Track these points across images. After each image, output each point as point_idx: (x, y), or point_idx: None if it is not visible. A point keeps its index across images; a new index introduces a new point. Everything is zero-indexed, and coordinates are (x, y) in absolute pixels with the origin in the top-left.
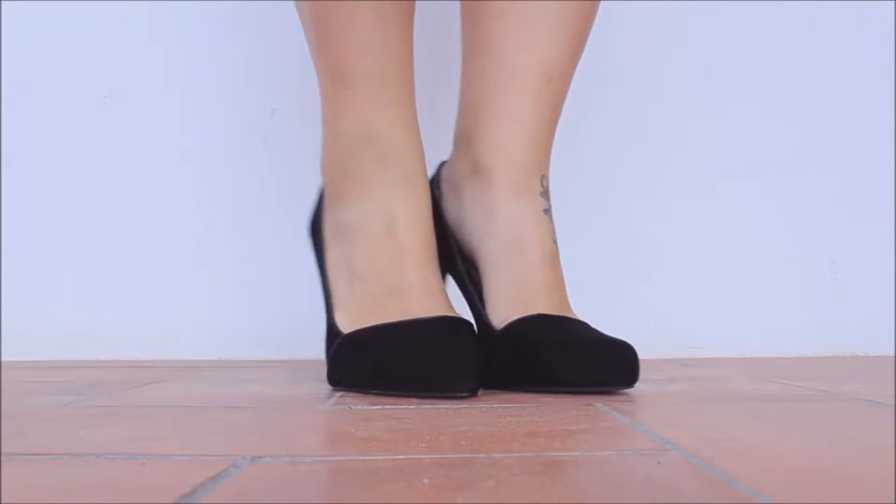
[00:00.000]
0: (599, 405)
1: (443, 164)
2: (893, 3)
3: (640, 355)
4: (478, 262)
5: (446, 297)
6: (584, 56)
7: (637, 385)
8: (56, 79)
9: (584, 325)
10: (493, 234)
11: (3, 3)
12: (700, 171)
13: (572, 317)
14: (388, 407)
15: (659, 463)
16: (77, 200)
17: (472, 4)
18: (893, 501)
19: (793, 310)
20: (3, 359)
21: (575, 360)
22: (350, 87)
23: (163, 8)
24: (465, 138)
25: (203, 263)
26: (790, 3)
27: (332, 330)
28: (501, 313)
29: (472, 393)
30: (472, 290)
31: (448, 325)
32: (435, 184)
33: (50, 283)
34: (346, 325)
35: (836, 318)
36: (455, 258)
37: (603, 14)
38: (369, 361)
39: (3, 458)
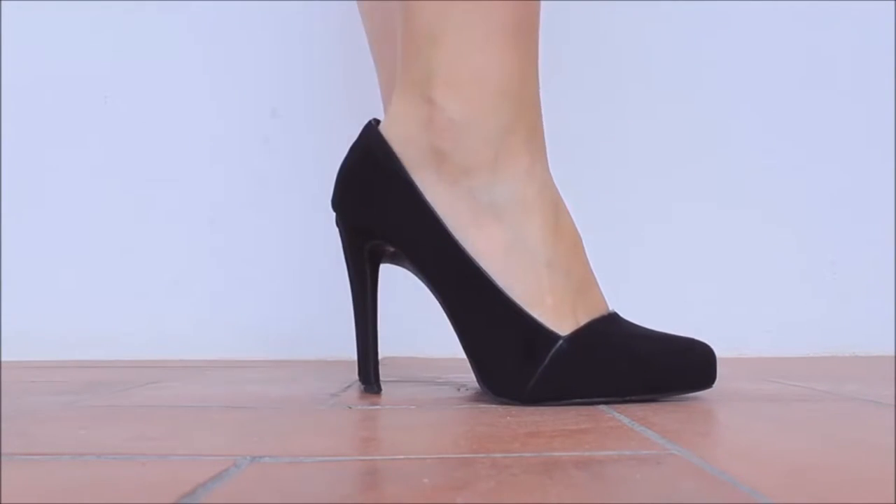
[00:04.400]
0: (599, 405)
1: None
2: (893, 3)
3: None
4: None
5: None
6: (585, 58)
7: None
8: (56, 79)
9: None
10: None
11: (2, 3)
12: (700, 170)
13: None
14: (388, 407)
15: (659, 463)
16: (77, 200)
17: None
18: (893, 501)
19: (793, 310)
20: (3, 359)
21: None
22: (513, 37)
23: (163, 8)
24: None
25: (203, 263)
26: (790, 3)
27: (534, 332)
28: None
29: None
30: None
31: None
32: None
33: (50, 283)
34: (557, 325)
35: (836, 318)
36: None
37: (601, 14)
38: (631, 363)
39: (3, 458)
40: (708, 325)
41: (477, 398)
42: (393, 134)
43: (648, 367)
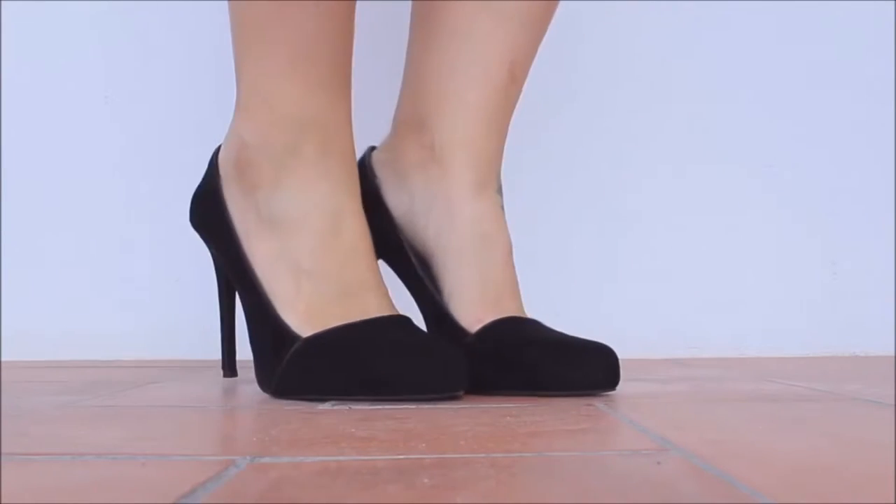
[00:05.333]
0: (599, 405)
1: (373, 149)
2: (893, 3)
3: (640, 355)
4: (434, 257)
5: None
6: (594, 54)
7: (637, 385)
8: (56, 79)
9: (550, 329)
10: (456, 229)
11: (2, 3)
12: (700, 171)
13: (533, 318)
14: (388, 407)
15: (659, 463)
16: (77, 200)
17: None
18: (893, 501)
19: (793, 310)
20: (3, 359)
21: (562, 362)
22: (294, 68)
23: (163, 8)
24: (414, 124)
25: (203, 263)
26: (791, 2)
27: (280, 332)
28: (472, 314)
29: (466, 391)
30: (430, 285)
31: (411, 325)
32: (368, 170)
33: (50, 283)
34: (302, 328)
35: (836, 318)
36: (402, 251)
37: (611, 14)
38: (352, 365)
39: (3, 458)
40: (708, 325)
41: (477, 398)
42: (221, 153)
43: (368, 369)
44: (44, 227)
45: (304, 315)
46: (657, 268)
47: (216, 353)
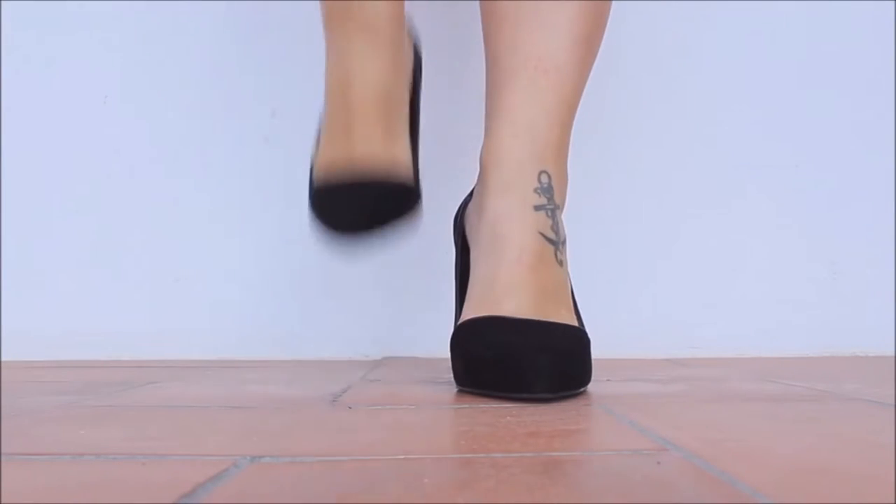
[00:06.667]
0: (599, 405)
1: None
2: (893, 3)
3: (640, 355)
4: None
5: (393, 144)
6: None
7: (637, 385)
8: (56, 79)
9: (546, 327)
10: (479, 232)
11: (2, 3)
12: (700, 171)
13: (540, 318)
14: (388, 407)
15: (659, 463)
16: (77, 200)
17: (483, 6)
18: (893, 501)
19: (793, 310)
20: (3, 359)
21: (498, 366)
22: None
23: (163, 8)
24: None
25: (203, 263)
26: (790, 2)
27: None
28: (466, 313)
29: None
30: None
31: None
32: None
33: (50, 283)
34: (316, 156)
35: (836, 318)
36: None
37: (610, 13)
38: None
39: (3, 458)
40: (708, 325)
41: (477, 398)
42: None
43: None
44: (43, 227)
45: (316, 170)
46: (657, 267)
47: (216, 354)
